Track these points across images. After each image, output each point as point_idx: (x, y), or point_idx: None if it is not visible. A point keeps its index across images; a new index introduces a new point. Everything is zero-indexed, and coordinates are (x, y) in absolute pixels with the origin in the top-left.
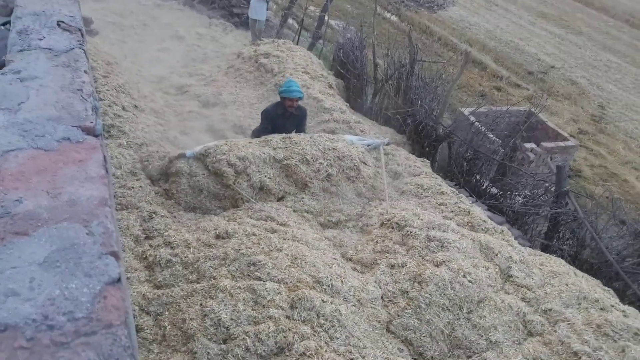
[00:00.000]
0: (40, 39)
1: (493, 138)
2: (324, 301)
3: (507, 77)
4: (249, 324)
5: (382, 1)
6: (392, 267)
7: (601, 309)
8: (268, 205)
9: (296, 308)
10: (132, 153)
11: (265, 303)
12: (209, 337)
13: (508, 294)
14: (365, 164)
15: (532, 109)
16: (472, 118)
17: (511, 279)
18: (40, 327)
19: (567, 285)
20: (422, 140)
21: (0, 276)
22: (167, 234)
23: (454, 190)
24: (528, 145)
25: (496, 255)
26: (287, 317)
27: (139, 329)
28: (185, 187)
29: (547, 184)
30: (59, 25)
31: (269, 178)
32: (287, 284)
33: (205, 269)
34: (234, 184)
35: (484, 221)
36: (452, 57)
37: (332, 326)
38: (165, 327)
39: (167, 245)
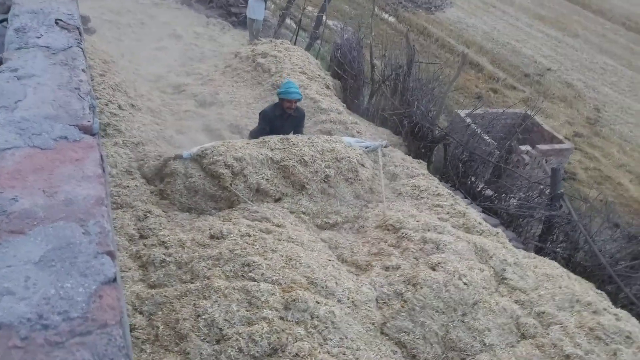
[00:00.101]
0: (38, 37)
1: (489, 140)
2: (318, 302)
3: (504, 79)
4: (243, 325)
5: (380, 2)
6: (387, 269)
7: (594, 312)
8: (264, 206)
9: (290, 309)
10: (128, 152)
11: (259, 304)
12: (202, 337)
13: (502, 296)
14: (364, 166)
15: (528, 112)
16: (468, 120)
17: (505, 281)
18: (35, 326)
19: (560, 288)
20: (418, 141)
21: None
22: (161, 233)
23: (450, 192)
24: (523, 147)
25: (491, 257)
26: (281, 318)
27: (132, 329)
28: (180, 188)
29: (541, 187)
30: (56, 23)
31: (266, 179)
32: (281, 285)
33: (199, 269)
34: (231, 185)
35: (479, 223)
36: (449, 58)
37: (326, 327)
38: (159, 327)
39: (162, 244)
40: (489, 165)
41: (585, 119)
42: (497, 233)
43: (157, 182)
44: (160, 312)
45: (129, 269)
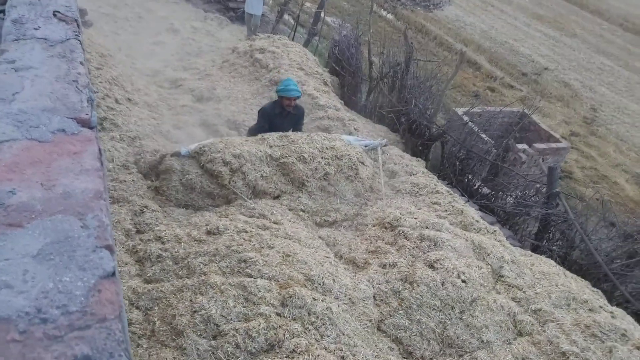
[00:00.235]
0: (36, 29)
1: (486, 138)
2: (315, 299)
3: (501, 78)
4: (239, 321)
5: None
6: (385, 266)
7: (590, 309)
8: (262, 202)
9: (287, 305)
10: (125, 146)
11: (256, 300)
12: (199, 333)
13: (499, 293)
14: (364, 164)
15: (525, 110)
16: (466, 118)
17: (502, 278)
18: (33, 320)
19: (556, 285)
20: (416, 139)
21: None
22: (158, 228)
23: (449, 189)
24: (520, 146)
25: (488, 255)
26: (278, 314)
27: (128, 324)
28: (177, 184)
29: (538, 185)
30: (54, 15)
31: (265, 176)
32: (278, 281)
33: (196, 265)
34: (230, 183)
35: (477, 221)
36: (447, 56)
37: (323, 324)
38: (155, 323)
39: (158, 240)
40: (486, 163)
41: (582, 118)
42: (495, 231)
43: (153, 177)
44: (156, 308)
45: (126, 264)
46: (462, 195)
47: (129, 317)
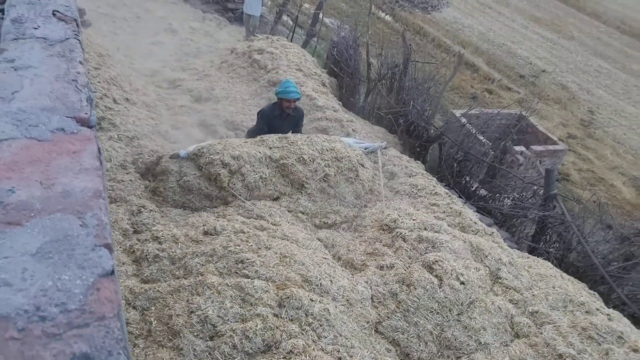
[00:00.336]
0: (35, 28)
1: (483, 140)
2: (312, 300)
3: (499, 80)
4: (236, 322)
5: (377, 1)
6: (383, 268)
7: (586, 312)
8: (261, 203)
9: (284, 306)
10: (123, 146)
11: (253, 301)
12: (196, 333)
13: (497, 295)
14: (364, 166)
15: (523, 113)
16: (464, 120)
17: (500, 280)
18: (32, 318)
19: (553, 288)
20: (414, 140)
21: None
22: (155, 228)
23: (447, 191)
24: (518, 148)
25: (486, 256)
26: (275, 315)
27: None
28: (174, 185)
29: (535, 187)
30: (54, 14)
31: (264, 178)
32: (275, 282)
33: (193, 265)
34: (229, 185)
35: (475, 223)
36: (445, 58)
37: (321, 325)
38: (152, 323)
39: (155, 240)
40: (483, 165)
41: (579, 120)
42: (492, 233)
43: (150, 178)
44: (153, 308)
45: (123, 264)
46: (460, 197)
47: (126, 317)
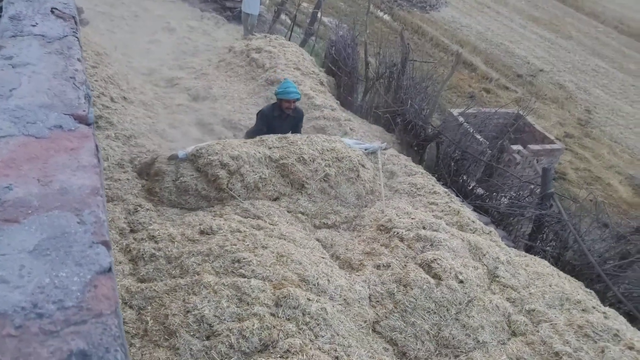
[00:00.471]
0: (33, 25)
1: (481, 139)
2: (309, 299)
3: (497, 79)
4: (233, 321)
5: (375, 0)
6: (380, 267)
7: (583, 310)
8: (259, 203)
9: (281, 306)
10: (120, 145)
11: (250, 300)
12: (192, 333)
13: (494, 294)
14: (364, 166)
15: (520, 112)
16: (461, 119)
17: (497, 279)
18: (29, 315)
19: (550, 286)
20: (411, 139)
21: None
22: (151, 227)
23: (446, 190)
24: (515, 147)
25: (484, 255)
26: (272, 314)
27: None
28: (170, 185)
29: (532, 186)
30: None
31: (264, 178)
32: (272, 281)
33: (189, 265)
34: (228, 186)
35: (473, 221)
36: (443, 57)
37: (318, 324)
38: (148, 322)
39: (151, 239)
40: (480, 164)
41: (576, 120)
42: (490, 232)
43: (146, 177)
44: (149, 307)
45: (120, 263)
46: (457, 196)
47: (122, 316)
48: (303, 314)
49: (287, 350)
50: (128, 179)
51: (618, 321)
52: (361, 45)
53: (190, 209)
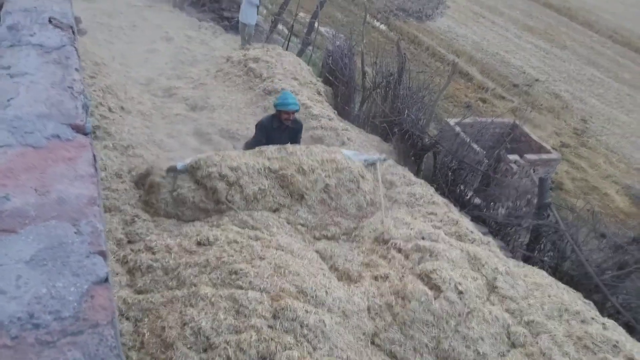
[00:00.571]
0: (31, 35)
1: (477, 149)
2: (307, 311)
3: (493, 89)
4: (230, 333)
5: (372, 10)
6: (378, 279)
7: (582, 321)
8: (258, 214)
9: (279, 318)
10: (118, 155)
11: (247, 312)
12: (189, 345)
13: (493, 305)
14: (364, 178)
15: (516, 121)
16: (458, 128)
17: (496, 290)
18: (25, 325)
19: (549, 297)
20: (408, 149)
21: None
22: (148, 238)
23: (445, 200)
24: (512, 156)
25: (483, 265)
26: (270, 326)
27: None
28: (166, 197)
29: (529, 196)
30: (50, 21)
31: (263, 189)
32: (269, 293)
33: (186, 276)
34: (226, 197)
35: (471, 231)
36: (439, 67)
37: (316, 337)
38: (145, 334)
39: (149, 250)
40: (477, 173)
41: (572, 129)
42: (489, 242)
43: (142, 188)
44: (146, 319)
45: (117, 274)
46: (455, 206)
47: (119, 328)
48: (301, 326)
49: None
50: (126, 190)
51: (617, 332)
52: (358, 55)
53: (187, 220)
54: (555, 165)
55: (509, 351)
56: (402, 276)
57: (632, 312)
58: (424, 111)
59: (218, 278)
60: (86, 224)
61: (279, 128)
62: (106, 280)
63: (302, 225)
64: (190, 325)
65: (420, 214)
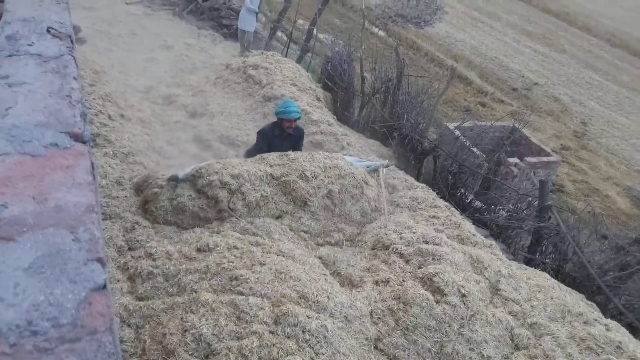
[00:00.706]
0: (30, 45)
1: (477, 152)
2: (309, 317)
3: (492, 93)
4: (232, 340)
5: (370, 16)
6: (380, 284)
7: (585, 322)
8: (260, 220)
9: (280, 323)
10: (118, 162)
11: (249, 318)
12: (190, 352)
13: (496, 307)
14: (368, 184)
15: (516, 125)
16: (457, 132)
17: (499, 292)
18: (23, 332)
19: (552, 299)
20: (408, 153)
21: None
22: (149, 245)
23: (447, 204)
24: (512, 160)
25: (486, 268)
26: (271, 332)
27: (119, 342)
28: (165, 204)
29: (530, 199)
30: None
31: (265, 196)
32: (270, 299)
33: (187, 283)
34: (228, 206)
35: (473, 235)
36: (438, 72)
37: (318, 342)
38: (146, 341)
39: (149, 256)
40: (478, 177)
41: (572, 132)
42: (491, 245)
43: (140, 195)
44: (147, 326)
45: (118, 281)
46: (456, 209)
47: (120, 335)
48: (303, 331)
49: None
50: (126, 197)
51: (620, 333)
52: (357, 61)
53: (186, 227)
54: (555, 168)
55: (512, 353)
56: (403, 280)
57: (634, 313)
58: (423, 116)
59: (218, 284)
60: (84, 231)
61: (281, 136)
62: (104, 287)
63: (305, 232)
64: (191, 331)
65: (423, 218)
